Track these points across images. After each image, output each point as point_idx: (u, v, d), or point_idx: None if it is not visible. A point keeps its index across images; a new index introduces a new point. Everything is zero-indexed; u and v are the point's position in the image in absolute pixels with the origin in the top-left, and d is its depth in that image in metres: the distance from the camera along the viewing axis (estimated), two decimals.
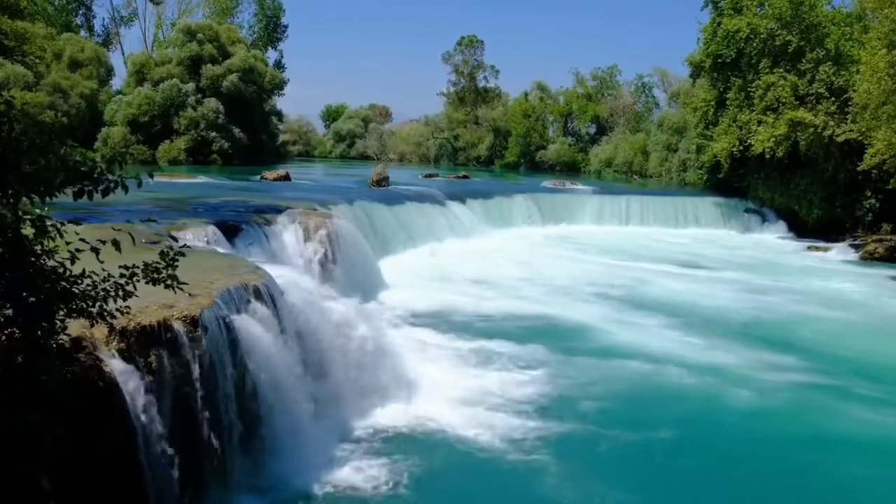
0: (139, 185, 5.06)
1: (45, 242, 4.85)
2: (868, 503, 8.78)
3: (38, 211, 4.79)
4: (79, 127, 41.57)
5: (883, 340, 15.47)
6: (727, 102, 33.77)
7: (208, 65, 49.11)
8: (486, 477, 8.76)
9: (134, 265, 5.38)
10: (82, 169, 4.70)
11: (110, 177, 4.81)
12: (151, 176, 5.12)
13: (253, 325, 8.15)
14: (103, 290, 5.28)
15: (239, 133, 48.93)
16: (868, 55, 26.10)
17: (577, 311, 16.63)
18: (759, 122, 31.54)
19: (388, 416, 9.91)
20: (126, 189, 4.87)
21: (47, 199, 4.82)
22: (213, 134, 47.40)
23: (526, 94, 67.08)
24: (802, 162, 31.50)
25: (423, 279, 18.99)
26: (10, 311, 4.83)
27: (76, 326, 5.65)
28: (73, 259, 4.98)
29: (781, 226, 33.35)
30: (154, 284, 5.48)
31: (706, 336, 14.97)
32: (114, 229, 5.11)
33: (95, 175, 4.76)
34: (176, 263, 5.55)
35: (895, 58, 23.97)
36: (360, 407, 9.86)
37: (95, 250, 4.95)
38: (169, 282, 5.49)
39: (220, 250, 12.28)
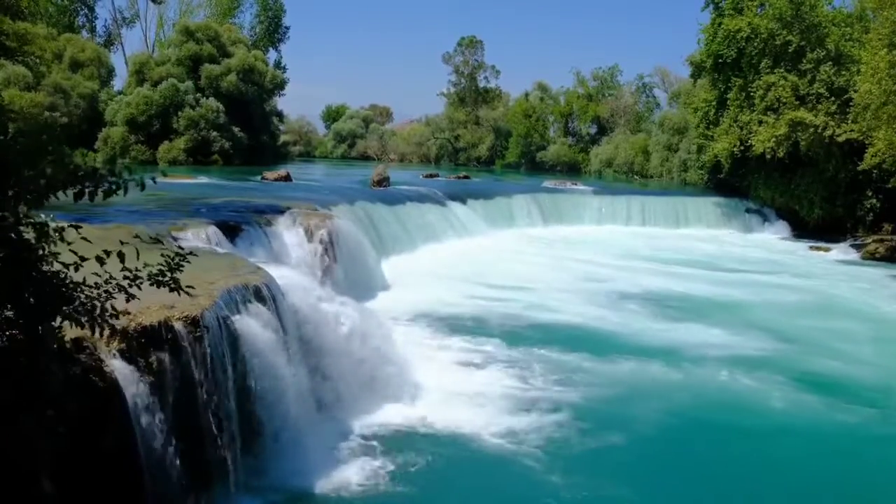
0: (141, 188, 5.03)
1: (47, 245, 4.84)
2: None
3: (39, 213, 4.79)
4: (79, 127, 41.51)
5: (883, 341, 15.44)
6: (728, 102, 33.77)
7: (207, 64, 49.08)
8: (487, 476, 8.77)
9: (137, 269, 5.38)
10: (80, 173, 4.69)
11: (111, 179, 4.80)
12: (154, 181, 5.10)
13: (254, 326, 8.16)
14: (105, 292, 5.27)
15: (239, 133, 48.92)
16: (868, 55, 26.10)
17: (579, 312, 16.62)
18: (760, 122, 31.54)
19: (389, 415, 9.91)
20: (126, 191, 4.86)
21: (48, 199, 4.81)
22: (214, 134, 47.39)
23: (526, 95, 67.15)
24: (803, 162, 31.51)
25: (424, 279, 18.99)
26: (10, 313, 4.84)
27: (77, 327, 5.65)
28: (77, 266, 4.97)
29: (782, 226, 33.36)
30: (158, 287, 5.48)
31: (712, 335, 15.03)
32: (121, 242, 5.08)
33: (96, 179, 4.75)
34: (181, 268, 5.55)
35: (895, 58, 24.00)
36: (360, 407, 9.86)
37: (100, 259, 4.94)
38: (173, 285, 5.49)
39: (221, 250, 12.28)
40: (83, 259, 4.95)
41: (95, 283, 5.25)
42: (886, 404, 11.52)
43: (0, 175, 4.57)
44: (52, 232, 4.81)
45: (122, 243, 5.04)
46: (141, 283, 5.37)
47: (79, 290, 5.08)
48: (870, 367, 13.39)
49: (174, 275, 5.50)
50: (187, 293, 5.59)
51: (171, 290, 5.50)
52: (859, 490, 8.97)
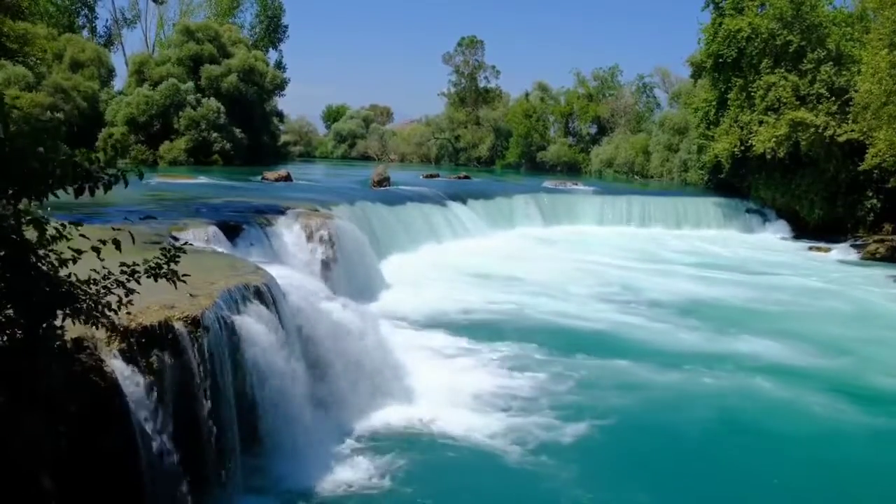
0: (140, 177, 5.07)
1: (47, 243, 4.84)
2: None
3: (39, 212, 4.79)
4: (72, 124, 41.45)
5: (883, 343, 15.40)
6: (728, 102, 33.76)
7: (207, 65, 49.12)
8: (487, 477, 8.75)
9: (134, 263, 5.39)
10: (81, 168, 4.69)
11: (110, 171, 4.80)
12: (141, 176, 5.14)
13: (254, 326, 8.15)
14: (104, 287, 5.27)
15: (240, 133, 48.93)
16: (869, 55, 26.10)
17: (580, 313, 16.60)
18: (761, 123, 31.52)
19: (389, 416, 9.91)
20: (126, 182, 4.87)
21: (48, 197, 4.81)
22: (215, 134, 47.40)
23: (527, 95, 67.16)
24: (804, 162, 31.48)
25: (425, 280, 18.99)
26: (11, 312, 4.83)
27: (78, 326, 5.64)
28: (74, 259, 4.98)
29: (783, 226, 33.33)
30: (155, 280, 5.48)
31: (715, 336, 15.00)
32: (114, 229, 5.09)
33: (95, 173, 4.75)
34: (177, 259, 5.55)
35: (895, 58, 23.99)
36: (360, 407, 9.86)
37: (96, 249, 4.94)
38: (170, 276, 5.49)
39: (221, 250, 12.28)
40: (79, 252, 4.94)
41: (94, 280, 5.24)
42: None
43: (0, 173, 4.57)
44: (51, 230, 4.81)
45: (114, 229, 5.05)
46: (139, 277, 5.37)
47: (78, 287, 5.08)
48: None
49: (171, 266, 5.50)
50: (183, 282, 5.59)
51: (169, 280, 5.50)
52: None
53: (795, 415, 10.92)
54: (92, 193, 4.81)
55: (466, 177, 43.86)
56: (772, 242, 31.43)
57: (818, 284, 21.61)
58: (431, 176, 42.89)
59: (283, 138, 63.52)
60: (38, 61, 38.14)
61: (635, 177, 53.78)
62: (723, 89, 34.44)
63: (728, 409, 11.07)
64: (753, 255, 27.00)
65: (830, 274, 23.68)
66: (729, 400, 11.41)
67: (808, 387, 11.97)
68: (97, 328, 5.36)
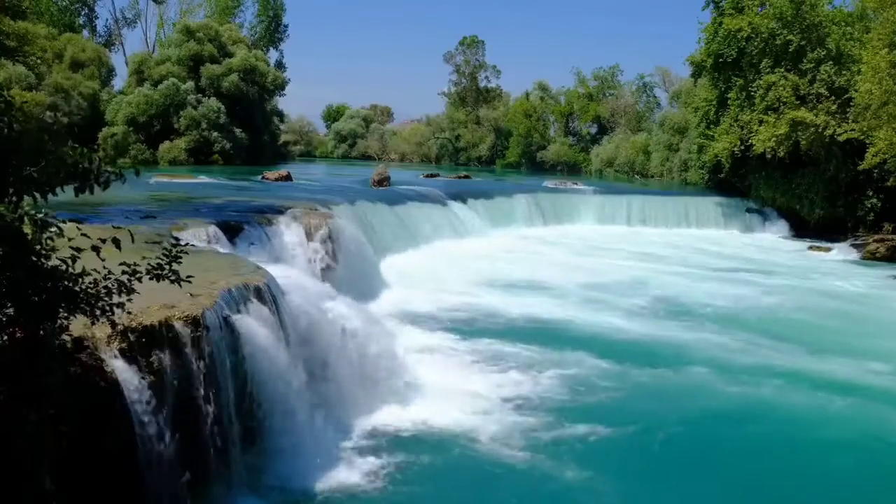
0: (137, 174, 5.08)
1: (47, 242, 4.85)
2: None
3: (38, 211, 4.80)
4: (79, 125, 41.53)
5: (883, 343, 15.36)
6: (728, 102, 33.78)
7: (208, 64, 49.14)
8: (487, 478, 8.72)
9: (135, 263, 5.38)
10: (82, 167, 4.70)
11: (109, 169, 4.81)
12: (137, 173, 5.18)
13: (254, 325, 8.15)
14: (105, 287, 5.27)
15: (240, 133, 48.98)
16: (869, 55, 26.11)
17: (580, 314, 16.56)
18: (761, 122, 31.52)
19: (389, 416, 9.89)
20: (124, 180, 4.88)
21: (48, 197, 4.82)
22: (215, 134, 47.44)
23: (527, 94, 67.28)
24: (804, 161, 31.50)
25: (424, 279, 18.97)
26: (11, 311, 4.83)
27: (78, 326, 5.65)
28: (74, 258, 4.97)
29: (783, 225, 33.34)
30: (158, 280, 5.46)
31: (715, 335, 14.94)
32: (114, 228, 5.10)
33: (95, 171, 4.76)
34: (179, 260, 5.54)
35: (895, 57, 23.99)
36: (360, 407, 9.85)
37: (96, 248, 4.94)
38: (172, 278, 5.48)
39: (222, 250, 12.29)
40: (79, 250, 4.95)
41: (94, 280, 5.24)
42: None
43: (1, 173, 4.58)
44: (51, 229, 4.81)
45: (114, 228, 5.06)
46: (140, 278, 5.36)
47: (78, 286, 5.08)
48: None
49: (172, 267, 5.48)
50: (188, 282, 5.58)
51: (172, 282, 5.48)
52: None
53: (870, 433, 10.43)
54: (91, 192, 4.82)
55: (467, 176, 43.89)
56: (772, 242, 31.40)
57: (848, 289, 21.15)
58: (431, 176, 42.93)
59: (284, 138, 63.65)
60: (39, 61, 38.19)
61: (636, 176, 53.81)
62: (723, 89, 34.46)
63: (799, 424, 10.63)
64: (758, 256, 26.93)
65: (851, 278, 23.04)
66: (798, 414, 10.93)
67: (882, 403, 11.43)
68: (97, 321, 5.35)
